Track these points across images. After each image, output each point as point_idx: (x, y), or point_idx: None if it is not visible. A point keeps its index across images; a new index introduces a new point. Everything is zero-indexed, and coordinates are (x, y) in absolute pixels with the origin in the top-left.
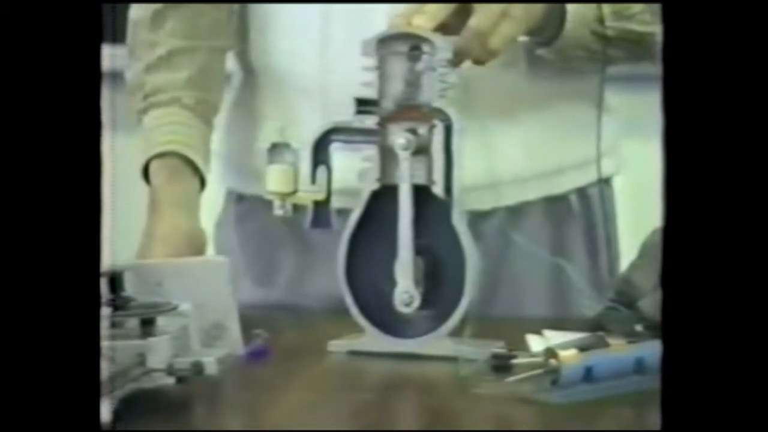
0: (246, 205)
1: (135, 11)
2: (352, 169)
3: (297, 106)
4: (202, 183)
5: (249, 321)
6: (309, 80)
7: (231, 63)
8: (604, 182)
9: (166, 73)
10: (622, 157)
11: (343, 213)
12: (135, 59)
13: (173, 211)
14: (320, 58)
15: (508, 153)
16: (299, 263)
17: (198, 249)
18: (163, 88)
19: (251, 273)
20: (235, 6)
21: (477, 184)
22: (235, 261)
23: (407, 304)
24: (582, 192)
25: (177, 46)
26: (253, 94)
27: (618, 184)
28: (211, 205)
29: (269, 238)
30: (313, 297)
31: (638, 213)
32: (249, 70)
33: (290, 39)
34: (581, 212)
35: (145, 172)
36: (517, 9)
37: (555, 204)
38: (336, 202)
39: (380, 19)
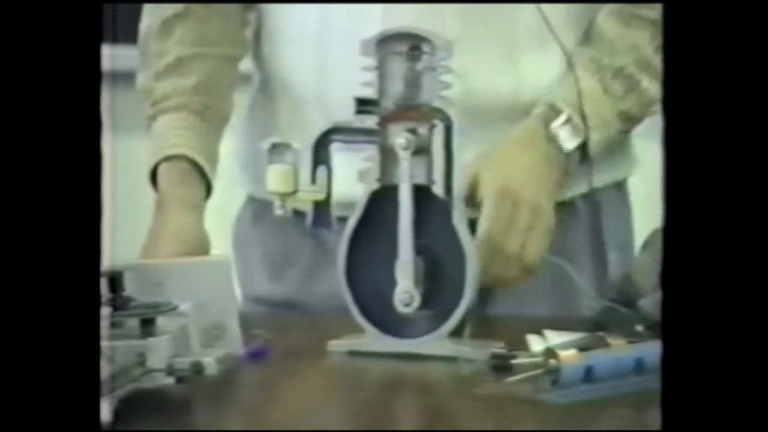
0: (261, 205)
1: (145, 21)
2: (352, 180)
3: (300, 114)
4: (208, 189)
5: (252, 320)
6: (308, 90)
7: (250, 67)
8: (618, 185)
9: (174, 79)
10: (635, 159)
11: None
12: (145, 68)
13: (182, 211)
14: (318, 69)
15: None
16: (312, 262)
17: (203, 251)
18: (171, 94)
19: (265, 270)
20: (252, 12)
21: None
22: (251, 257)
23: (407, 305)
24: (587, 196)
25: (185, 53)
26: (268, 98)
27: (633, 185)
28: (227, 203)
29: (283, 237)
30: (323, 295)
31: (654, 214)
32: (263, 75)
33: (290, 49)
34: (588, 216)
35: (152, 177)
36: (543, 220)
37: (561, 209)
38: (337, 211)
39: (373, 27)
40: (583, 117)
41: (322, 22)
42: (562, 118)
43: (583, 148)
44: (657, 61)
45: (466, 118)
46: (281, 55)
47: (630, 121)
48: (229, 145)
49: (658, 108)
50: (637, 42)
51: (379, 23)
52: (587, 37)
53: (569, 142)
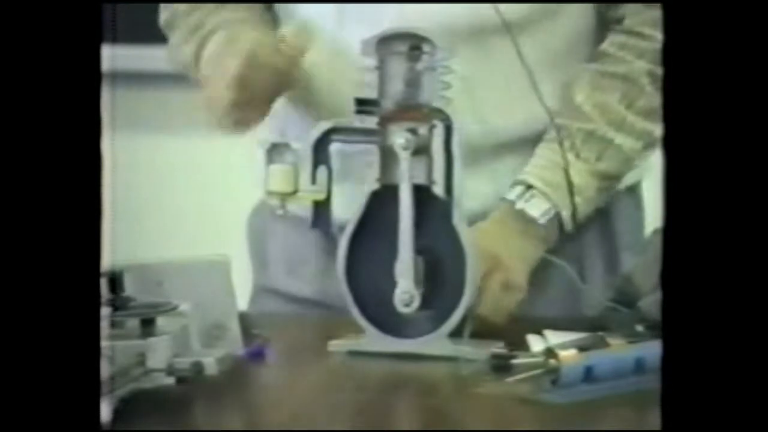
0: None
1: (165, 13)
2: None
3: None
4: None
5: (253, 320)
6: (323, 98)
7: None
8: (630, 189)
9: (225, 13)
10: (646, 163)
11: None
12: (185, 41)
13: (255, 28)
14: (330, 79)
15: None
16: (328, 259)
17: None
18: (222, 24)
19: (282, 264)
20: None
21: (488, 206)
22: (268, 251)
23: (407, 305)
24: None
25: (227, 16)
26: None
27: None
28: (235, 205)
29: (300, 235)
30: (339, 293)
31: (651, 215)
32: None
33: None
34: (601, 219)
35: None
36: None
37: None
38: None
39: None
40: (569, 185)
41: (335, 43)
42: (527, 193)
43: (560, 215)
44: (630, 116)
45: (480, 153)
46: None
47: (610, 179)
48: (245, 150)
49: (639, 162)
50: (607, 102)
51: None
52: (560, 101)
53: (537, 212)
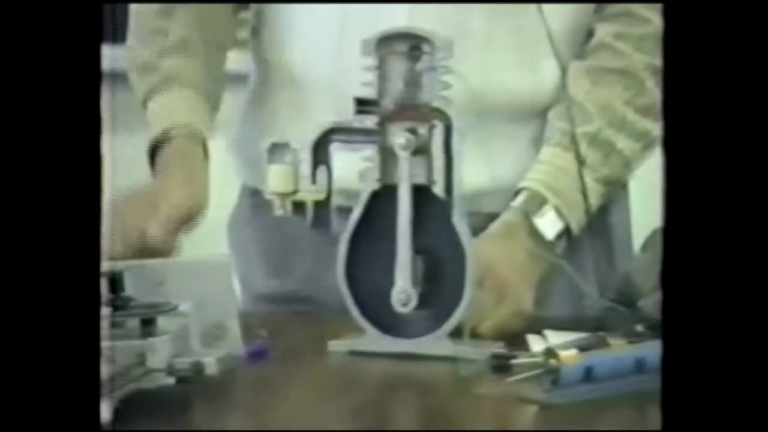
0: (260, 199)
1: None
2: (352, 169)
3: (310, 105)
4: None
5: (253, 319)
6: (323, 80)
7: (245, 68)
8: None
9: (181, 59)
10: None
11: (343, 211)
12: (142, 44)
13: (195, 167)
14: (336, 60)
15: (511, 159)
16: (318, 254)
17: (205, 204)
18: (177, 74)
19: (266, 266)
20: (248, 12)
21: (482, 189)
22: (250, 254)
23: (404, 304)
24: None
25: (189, 35)
26: (268, 89)
27: (633, 186)
28: (226, 199)
29: (287, 230)
30: (331, 289)
31: (651, 215)
32: (264, 66)
33: (307, 38)
34: (597, 218)
35: (152, 155)
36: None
37: None
38: (336, 200)
39: (399, 21)
40: (585, 201)
41: (343, 11)
42: (543, 208)
43: (568, 229)
44: (630, 114)
45: (490, 114)
46: (293, 46)
47: (611, 184)
48: (224, 138)
49: (637, 166)
50: (608, 100)
51: (405, 17)
52: (559, 102)
53: (551, 231)
